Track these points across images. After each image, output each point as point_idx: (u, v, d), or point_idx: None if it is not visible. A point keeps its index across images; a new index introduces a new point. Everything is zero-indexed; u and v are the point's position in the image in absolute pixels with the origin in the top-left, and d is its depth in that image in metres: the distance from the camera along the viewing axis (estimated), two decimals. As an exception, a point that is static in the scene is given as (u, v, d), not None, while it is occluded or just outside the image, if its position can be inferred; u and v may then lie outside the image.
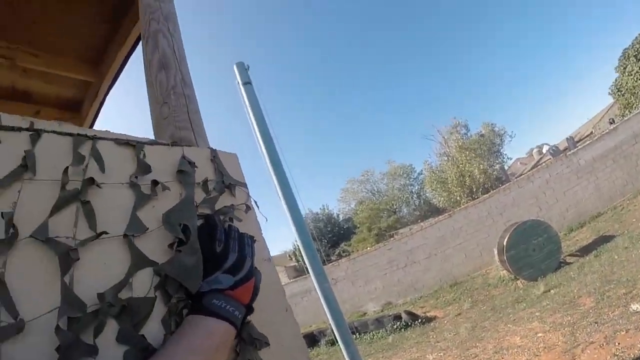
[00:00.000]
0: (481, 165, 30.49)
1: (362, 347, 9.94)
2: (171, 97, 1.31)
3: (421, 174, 40.78)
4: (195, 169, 1.06)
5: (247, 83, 3.72)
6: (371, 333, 11.00)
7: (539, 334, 6.34)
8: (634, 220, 11.04)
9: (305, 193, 66.37)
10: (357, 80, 78.30)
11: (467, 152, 31.38)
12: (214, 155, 1.15)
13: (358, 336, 11.12)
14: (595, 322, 5.77)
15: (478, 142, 32.84)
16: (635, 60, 23.07)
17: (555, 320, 6.62)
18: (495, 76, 73.79)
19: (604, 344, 4.99)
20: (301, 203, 4.29)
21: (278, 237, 76.96)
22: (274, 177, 3.91)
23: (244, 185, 1.18)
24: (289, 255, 33.31)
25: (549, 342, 5.88)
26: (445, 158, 34.64)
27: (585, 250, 10.54)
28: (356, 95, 77.93)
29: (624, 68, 24.17)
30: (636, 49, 23.08)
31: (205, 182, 1.06)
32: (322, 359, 10.12)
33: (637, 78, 22.99)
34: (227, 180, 1.12)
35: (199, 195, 1.02)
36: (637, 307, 5.51)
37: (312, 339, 11.87)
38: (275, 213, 4.46)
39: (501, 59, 74.40)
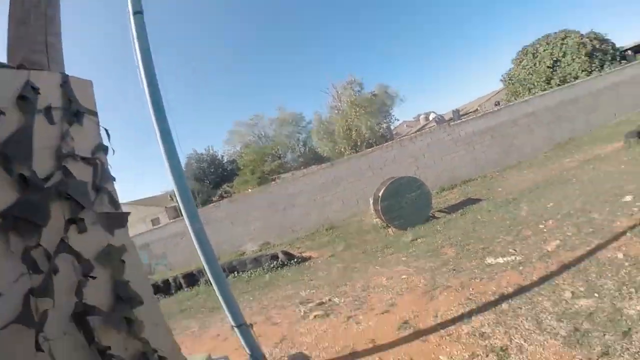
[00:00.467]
0: (369, 122, 31.82)
1: (240, 285, 9.97)
2: (31, 16, 1.14)
3: (310, 123, 41.36)
4: (39, 95, 0.92)
5: (137, 12, 3.22)
6: (249, 272, 11.07)
7: (403, 276, 6.88)
8: (500, 189, 12.45)
9: (190, 132, 63.24)
10: (261, 24, 75.33)
11: (358, 108, 32.40)
12: (65, 81, 1.00)
13: (236, 274, 11.14)
14: (454, 270, 6.43)
15: (369, 100, 34.07)
16: (532, 57, 27.13)
17: (419, 266, 7.26)
18: (399, 41, 76.62)
19: (460, 288, 5.57)
20: (179, 148, 4.07)
21: (159, 176, 73.90)
22: (154, 120, 3.68)
23: (95, 114, 1.07)
24: (170, 196, 32.10)
25: (411, 283, 6.42)
26: (336, 111, 35.50)
27: (452, 209, 11.66)
28: (257, 38, 75.11)
29: (520, 61, 28.31)
30: (535, 48, 27.20)
31: (49, 109, 0.92)
32: (202, 297, 9.99)
33: (529, 72, 27.03)
34: (75, 107, 0.99)
35: (42, 124, 0.90)
36: (491, 261, 6.25)
37: (192, 279, 11.78)
38: (158, 150, 4.11)
39: (414, 26, 77.73)
